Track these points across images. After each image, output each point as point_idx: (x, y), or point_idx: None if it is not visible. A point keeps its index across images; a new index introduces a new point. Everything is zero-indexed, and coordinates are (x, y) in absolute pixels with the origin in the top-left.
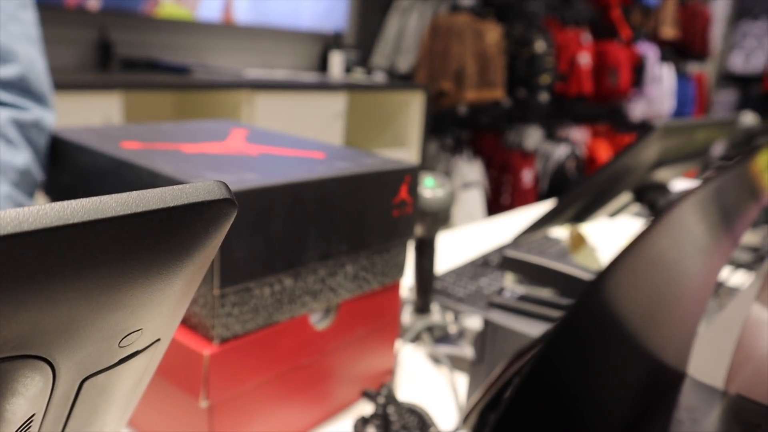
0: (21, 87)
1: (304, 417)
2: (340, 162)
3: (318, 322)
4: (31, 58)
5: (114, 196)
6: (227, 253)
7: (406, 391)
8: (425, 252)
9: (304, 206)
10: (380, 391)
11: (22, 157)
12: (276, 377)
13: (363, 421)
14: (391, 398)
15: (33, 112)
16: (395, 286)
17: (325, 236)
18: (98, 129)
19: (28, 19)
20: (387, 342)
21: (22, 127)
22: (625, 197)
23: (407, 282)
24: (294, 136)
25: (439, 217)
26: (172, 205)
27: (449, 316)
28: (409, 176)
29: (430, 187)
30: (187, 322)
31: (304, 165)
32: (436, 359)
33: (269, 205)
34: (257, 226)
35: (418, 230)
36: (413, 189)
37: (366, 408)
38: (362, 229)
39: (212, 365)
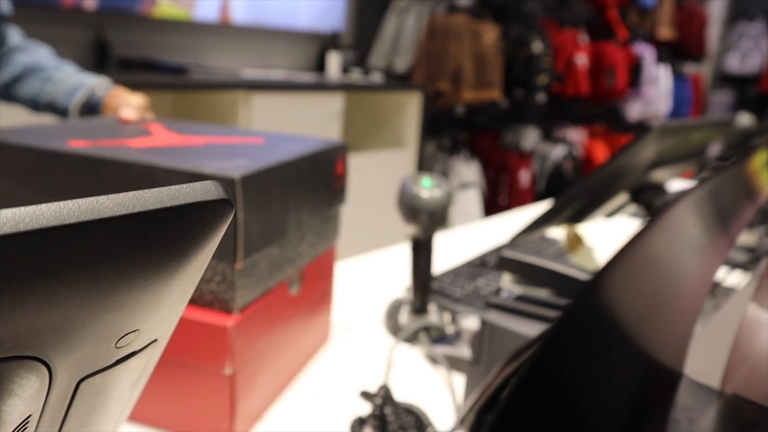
0: None
1: (291, 369)
2: (284, 144)
3: (291, 287)
4: None
5: (111, 196)
6: (245, 229)
7: (403, 392)
8: (422, 252)
9: (287, 183)
10: (377, 391)
11: None
12: (272, 338)
13: (360, 422)
14: (388, 398)
15: None
16: (332, 250)
17: (298, 208)
18: (30, 129)
19: None
20: (329, 298)
21: None
22: (621, 197)
23: (404, 282)
24: (207, 125)
25: (437, 218)
26: (169, 205)
27: (446, 317)
28: (342, 152)
29: (427, 188)
30: (198, 302)
31: (269, 148)
32: (433, 359)
33: (270, 184)
34: (262, 203)
35: (415, 230)
36: (345, 162)
37: (363, 408)
38: (318, 200)
39: (234, 334)
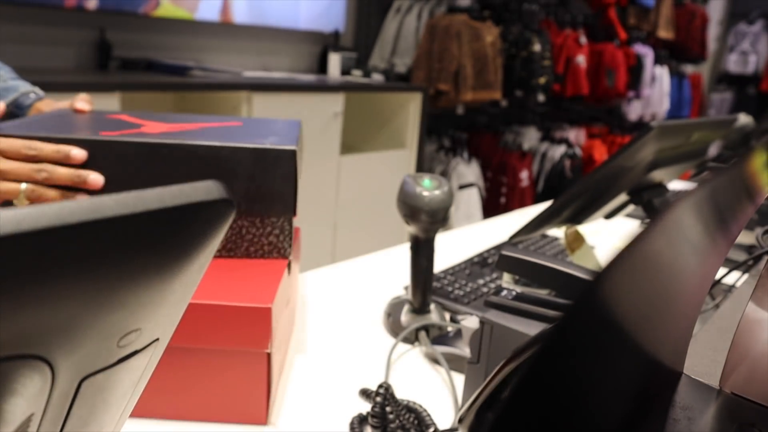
0: None
1: (286, 349)
2: (263, 125)
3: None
4: None
5: (112, 196)
6: (296, 189)
7: (403, 391)
8: (423, 252)
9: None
10: (378, 389)
11: None
12: (283, 318)
13: (360, 420)
14: (389, 396)
15: None
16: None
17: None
18: (27, 123)
19: None
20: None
21: None
22: (621, 198)
23: (404, 282)
24: (169, 113)
25: (437, 218)
26: (170, 205)
27: (446, 316)
28: (299, 131)
29: (427, 188)
30: (258, 253)
31: (260, 127)
32: (433, 359)
33: (297, 155)
34: (296, 170)
35: (415, 230)
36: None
37: (362, 407)
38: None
39: (274, 314)
